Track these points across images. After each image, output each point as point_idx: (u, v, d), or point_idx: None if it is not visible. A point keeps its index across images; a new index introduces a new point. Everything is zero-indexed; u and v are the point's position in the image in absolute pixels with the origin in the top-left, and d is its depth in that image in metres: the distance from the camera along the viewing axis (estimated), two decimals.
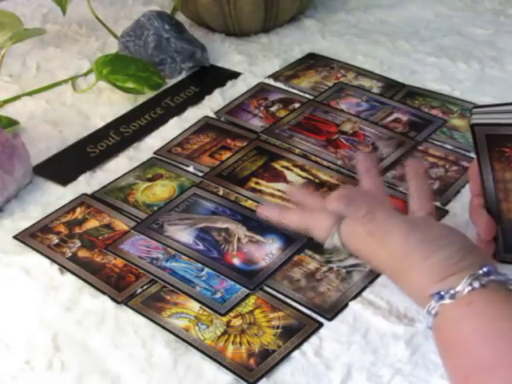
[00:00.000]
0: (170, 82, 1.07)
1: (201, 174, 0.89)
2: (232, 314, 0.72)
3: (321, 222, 0.71)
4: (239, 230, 0.80)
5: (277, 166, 0.89)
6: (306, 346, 0.68)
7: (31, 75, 1.12)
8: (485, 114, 0.66)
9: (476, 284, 0.59)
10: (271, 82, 1.06)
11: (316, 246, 0.78)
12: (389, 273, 0.67)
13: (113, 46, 1.14)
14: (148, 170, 0.91)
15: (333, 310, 0.71)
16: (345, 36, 1.15)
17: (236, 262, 0.77)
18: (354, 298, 0.72)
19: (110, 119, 1.00)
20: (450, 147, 0.90)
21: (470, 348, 0.57)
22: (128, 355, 0.69)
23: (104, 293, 0.75)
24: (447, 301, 0.59)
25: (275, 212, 0.76)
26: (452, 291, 0.59)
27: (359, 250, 0.69)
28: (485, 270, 0.60)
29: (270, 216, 0.76)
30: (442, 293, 0.60)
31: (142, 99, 1.04)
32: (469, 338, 0.57)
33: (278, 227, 0.78)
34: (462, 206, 0.80)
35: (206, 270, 0.76)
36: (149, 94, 1.04)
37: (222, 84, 1.05)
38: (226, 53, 1.13)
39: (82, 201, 0.86)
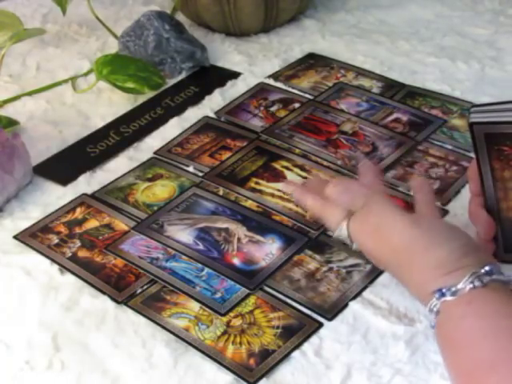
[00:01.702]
0: (170, 82, 1.07)
1: (201, 174, 0.89)
2: (232, 314, 0.72)
3: (333, 214, 0.71)
4: (239, 230, 0.80)
5: (277, 166, 0.89)
6: (306, 346, 0.68)
7: (31, 75, 1.12)
8: (483, 112, 0.66)
9: (477, 283, 0.59)
10: (271, 82, 1.05)
11: (316, 246, 0.78)
12: (392, 270, 0.67)
13: (113, 46, 1.14)
14: (148, 170, 0.91)
15: (333, 310, 0.71)
16: (345, 36, 1.15)
17: (236, 261, 0.77)
18: (354, 298, 0.72)
19: (110, 119, 1.00)
20: (449, 147, 0.90)
21: (470, 346, 0.57)
22: (128, 355, 0.69)
23: (104, 293, 0.75)
24: (448, 298, 0.59)
25: (297, 191, 0.78)
26: (453, 288, 0.59)
27: (364, 244, 0.69)
28: (487, 268, 0.60)
29: (292, 192, 0.79)
30: (444, 290, 0.60)
31: (142, 99, 1.04)
32: (470, 336, 0.57)
33: (279, 226, 0.79)
34: (462, 205, 0.80)
35: (206, 269, 0.76)
36: (149, 94, 1.04)
37: (222, 84, 1.05)
38: (225, 53, 1.13)
39: (82, 201, 0.87)
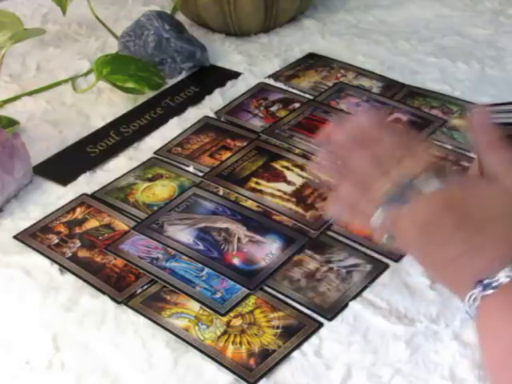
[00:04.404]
0: (170, 82, 1.07)
1: (201, 174, 0.89)
2: (232, 314, 0.72)
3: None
4: (239, 230, 0.80)
5: (277, 165, 0.89)
6: (305, 346, 0.68)
7: (31, 75, 1.12)
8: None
9: None
10: (271, 82, 1.05)
11: (316, 246, 0.78)
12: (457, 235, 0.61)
13: (113, 46, 1.14)
14: (148, 170, 0.91)
15: (333, 310, 0.71)
16: (345, 36, 1.15)
17: (236, 262, 0.77)
18: (354, 297, 0.72)
19: (110, 119, 1.00)
20: (450, 147, 0.90)
21: None
22: (128, 355, 0.69)
23: (104, 293, 0.75)
24: None
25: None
26: None
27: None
28: None
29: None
30: None
31: (142, 99, 1.04)
32: None
33: (280, 227, 0.78)
34: None
35: (206, 269, 0.76)
36: (149, 94, 1.04)
37: (222, 84, 1.05)
38: (226, 53, 1.13)
39: (82, 201, 0.86)
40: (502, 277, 0.57)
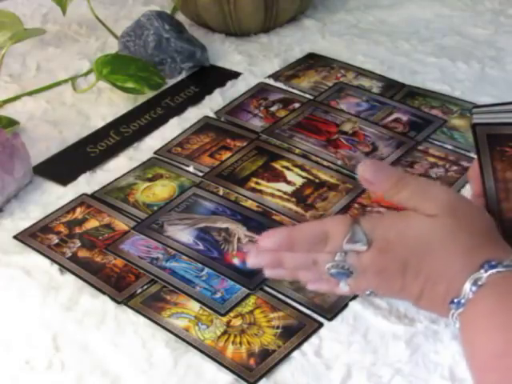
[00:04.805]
0: (170, 82, 1.07)
1: (201, 174, 0.89)
2: (232, 314, 0.72)
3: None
4: (239, 230, 0.80)
5: (277, 165, 0.89)
6: (305, 346, 0.68)
7: (31, 75, 1.12)
8: (485, 113, 0.65)
9: None
10: (271, 81, 1.05)
11: None
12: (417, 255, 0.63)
13: (113, 46, 1.14)
14: (148, 170, 0.91)
15: (333, 310, 0.71)
16: (345, 36, 1.15)
17: (236, 262, 0.77)
18: (354, 298, 0.72)
19: (110, 119, 1.00)
20: (450, 147, 0.90)
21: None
22: (128, 355, 0.69)
23: (104, 293, 0.75)
24: (500, 269, 0.59)
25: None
26: (506, 262, 0.59)
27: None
28: None
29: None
30: (494, 262, 0.59)
31: (142, 99, 1.04)
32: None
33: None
34: None
35: (206, 269, 0.76)
36: (149, 94, 1.04)
37: (222, 84, 1.05)
38: (226, 53, 1.13)
39: (82, 201, 0.87)
40: (466, 292, 0.60)
